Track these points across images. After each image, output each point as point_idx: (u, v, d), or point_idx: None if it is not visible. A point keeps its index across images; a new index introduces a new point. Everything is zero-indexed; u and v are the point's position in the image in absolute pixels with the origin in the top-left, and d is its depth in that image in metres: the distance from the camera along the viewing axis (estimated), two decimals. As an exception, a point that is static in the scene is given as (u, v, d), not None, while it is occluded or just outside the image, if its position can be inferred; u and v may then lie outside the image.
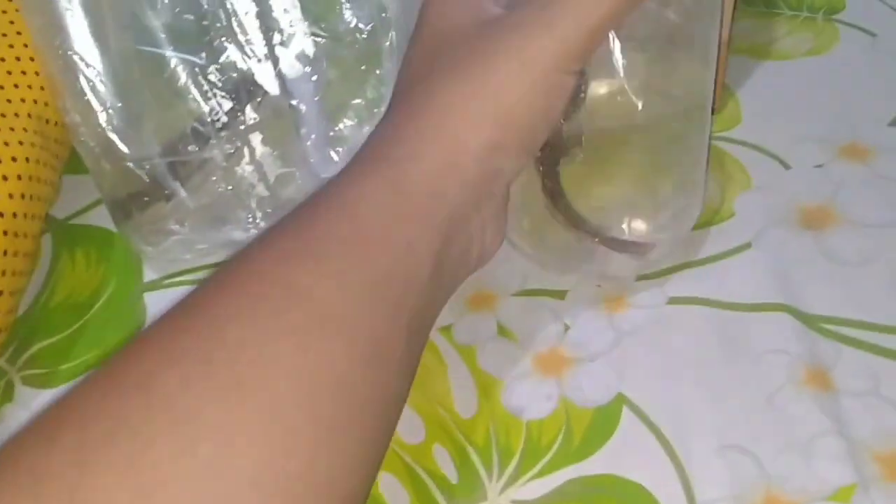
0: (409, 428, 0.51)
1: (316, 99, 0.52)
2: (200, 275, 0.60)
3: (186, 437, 0.31)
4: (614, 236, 0.52)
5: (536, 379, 0.52)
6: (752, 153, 0.65)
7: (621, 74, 0.49)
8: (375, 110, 0.56)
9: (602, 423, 0.50)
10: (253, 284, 0.35)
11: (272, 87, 0.51)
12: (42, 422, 0.32)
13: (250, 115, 0.51)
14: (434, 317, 0.40)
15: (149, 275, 0.61)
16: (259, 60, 0.50)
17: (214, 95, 0.50)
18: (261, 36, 0.50)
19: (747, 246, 0.58)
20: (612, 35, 0.47)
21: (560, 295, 0.57)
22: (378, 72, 0.54)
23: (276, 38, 0.50)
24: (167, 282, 0.61)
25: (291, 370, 0.33)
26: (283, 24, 0.50)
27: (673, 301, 0.56)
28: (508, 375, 0.53)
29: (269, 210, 0.53)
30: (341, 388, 0.34)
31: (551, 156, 0.52)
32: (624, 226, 0.53)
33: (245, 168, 0.52)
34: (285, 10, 0.50)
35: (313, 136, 0.54)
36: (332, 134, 0.56)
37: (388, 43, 0.54)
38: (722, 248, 0.58)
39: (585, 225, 0.52)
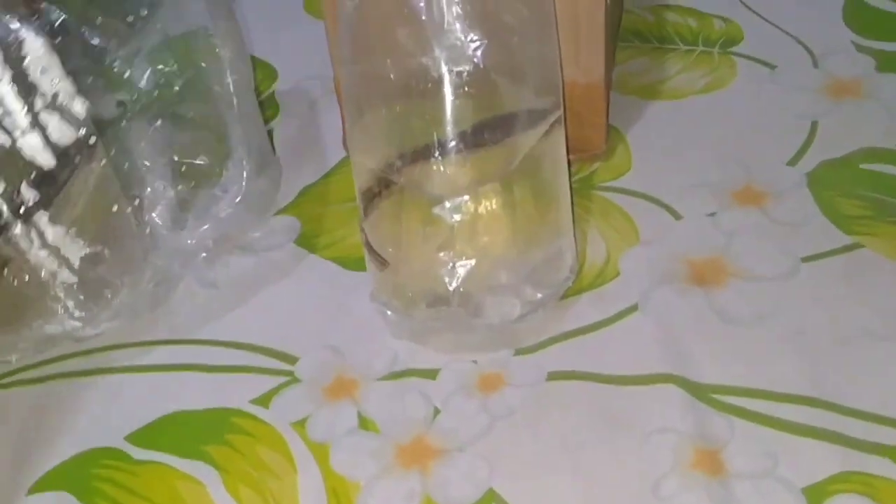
0: (247, 548, 0.44)
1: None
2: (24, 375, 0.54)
3: None
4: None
5: (397, 475, 0.46)
6: (641, 203, 0.60)
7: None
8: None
9: (469, 527, 0.44)
10: None
11: (45, 159, 0.45)
12: None
13: (27, 193, 0.45)
14: None
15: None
16: (22, 132, 0.44)
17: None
18: (20, 104, 0.44)
19: (633, 309, 0.53)
20: None
21: (432, 374, 0.51)
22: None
23: (39, 103, 0.44)
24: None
25: None
26: (44, 85, 0.44)
27: (552, 376, 0.50)
28: (365, 475, 0.46)
29: (81, 297, 0.47)
30: None
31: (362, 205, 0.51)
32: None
33: (38, 254, 0.46)
34: (42, 69, 0.44)
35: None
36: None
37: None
38: (606, 314, 0.53)
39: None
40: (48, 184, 0.46)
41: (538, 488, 0.45)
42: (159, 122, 0.53)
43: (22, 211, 0.45)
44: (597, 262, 0.56)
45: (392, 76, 0.49)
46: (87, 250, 0.48)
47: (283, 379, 0.52)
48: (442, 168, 0.49)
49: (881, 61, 0.68)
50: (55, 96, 0.44)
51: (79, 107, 0.45)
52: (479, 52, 0.47)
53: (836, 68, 0.68)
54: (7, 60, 0.44)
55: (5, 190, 0.45)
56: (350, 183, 0.65)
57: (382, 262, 0.51)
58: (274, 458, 0.48)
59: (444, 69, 0.47)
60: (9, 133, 0.44)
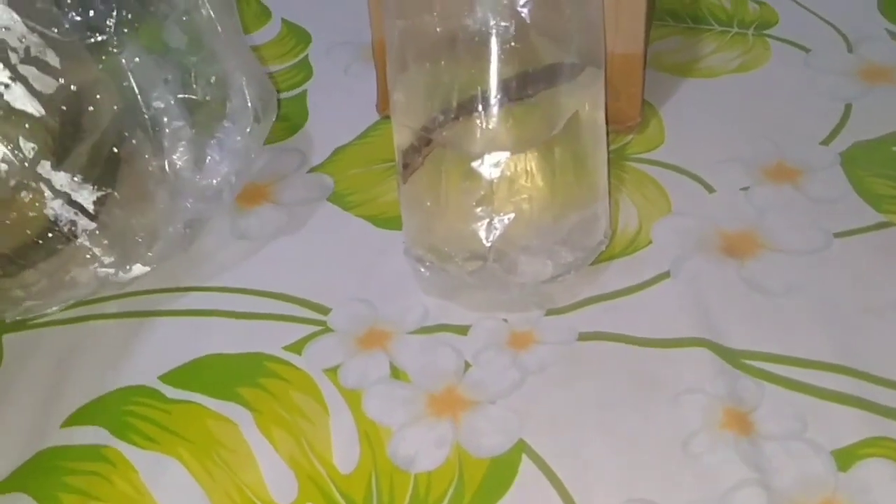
0: (280, 485, 0.45)
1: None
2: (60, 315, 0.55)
3: None
4: None
5: (429, 423, 0.47)
6: (673, 176, 0.60)
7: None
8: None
9: (499, 475, 0.44)
10: None
11: (34, 108, 0.46)
12: None
13: (25, 146, 0.45)
14: None
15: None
16: (5, 87, 0.45)
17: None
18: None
19: (665, 276, 0.53)
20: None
21: (463, 331, 0.52)
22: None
23: (13, 57, 0.46)
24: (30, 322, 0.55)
25: None
26: (13, 42, 0.45)
27: (583, 337, 0.50)
28: (397, 422, 0.47)
29: (106, 242, 0.48)
30: None
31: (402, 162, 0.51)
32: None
33: (53, 205, 0.46)
34: (6, 27, 0.45)
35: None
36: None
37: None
38: (637, 280, 0.53)
39: None
40: (45, 134, 0.46)
41: (568, 442, 0.45)
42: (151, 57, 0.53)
43: (26, 165, 0.46)
44: (629, 230, 0.57)
45: (438, 30, 0.50)
46: (98, 194, 0.48)
47: (315, 328, 0.53)
48: (484, 124, 0.49)
49: (916, 49, 0.69)
50: (27, 50, 0.45)
51: (52, 58, 0.46)
52: (526, 9, 0.48)
53: (871, 54, 0.69)
54: None
55: (7, 148, 0.45)
56: (382, 145, 0.66)
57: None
58: (306, 402, 0.48)
59: (492, 23, 0.48)
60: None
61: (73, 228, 0.48)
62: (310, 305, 0.54)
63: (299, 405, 0.48)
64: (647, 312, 0.51)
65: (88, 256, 0.49)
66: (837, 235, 0.54)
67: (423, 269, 0.53)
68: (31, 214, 0.48)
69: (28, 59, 0.45)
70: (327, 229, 0.59)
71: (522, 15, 0.48)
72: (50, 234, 0.48)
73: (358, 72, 0.72)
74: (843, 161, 0.59)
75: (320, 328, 0.53)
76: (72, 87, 0.47)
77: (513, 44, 0.49)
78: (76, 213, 0.48)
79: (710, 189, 0.59)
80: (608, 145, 0.54)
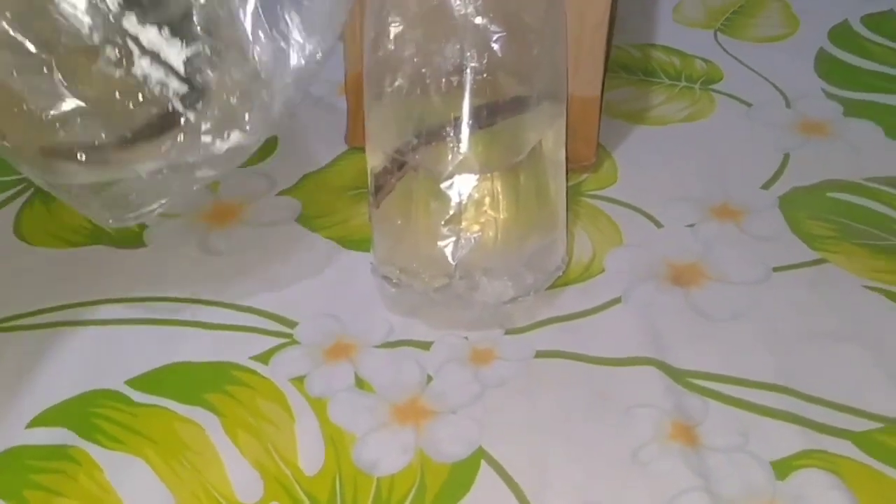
0: (246, 485, 0.46)
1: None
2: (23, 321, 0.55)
3: None
4: None
5: (392, 430, 0.49)
6: (625, 212, 0.64)
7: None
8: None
9: (459, 479, 0.46)
10: None
11: None
12: None
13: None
14: None
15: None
16: None
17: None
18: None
19: (617, 301, 0.56)
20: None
21: (426, 346, 0.54)
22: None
23: None
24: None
25: None
26: None
27: (541, 355, 0.53)
28: (362, 428, 0.49)
29: (198, 105, 0.45)
30: None
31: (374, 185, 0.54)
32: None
33: (142, 64, 0.43)
34: None
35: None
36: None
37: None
38: (591, 304, 0.56)
39: None
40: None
41: (526, 450, 0.47)
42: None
43: (111, 19, 0.43)
44: (583, 259, 0.60)
45: (415, 61, 0.53)
46: (188, 51, 0.44)
47: (282, 340, 0.54)
48: (455, 148, 0.52)
49: (847, 107, 0.74)
50: None
51: None
52: (497, 44, 0.51)
53: (808, 109, 0.74)
54: None
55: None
56: (350, 173, 0.69)
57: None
58: (272, 409, 0.50)
59: (467, 55, 0.51)
60: None
61: (164, 90, 0.45)
62: (276, 319, 0.56)
63: (265, 412, 0.50)
64: (600, 334, 0.54)
65: (184, 124, 0.46)
66: (776, 269, 0.58)
67: (389, 287, 0.55)
68: (118, 74, 0.44)
69: None
70: (295, 249, 0.61)
71: (494, 49, 0.52)
72: (140, 98, 0.44)
73: (327, 105, 0.75)
74: (781, 204, 0.64)
75: (287, 340, 0.54)
76: None
77: (484, 75, 0.52)
78: (166, 74, 0.45)
79: (658, 224, 0.63)
80: (567, 179, 0.57)
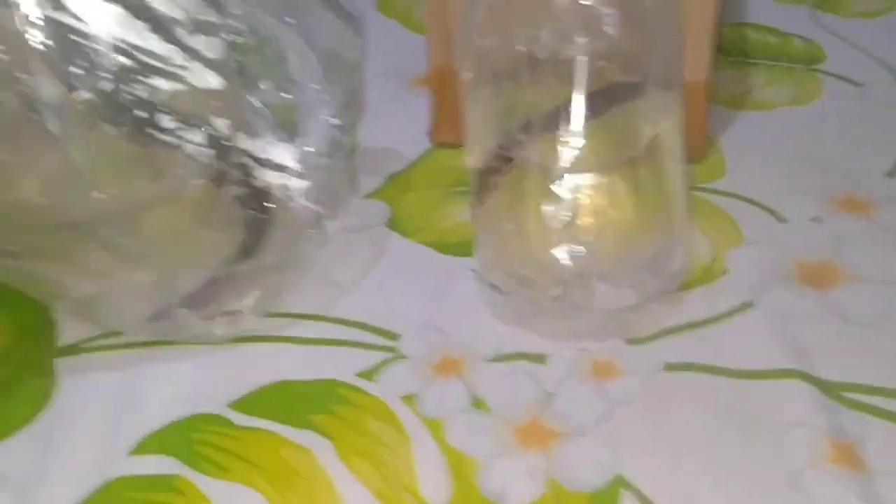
0: (368, 518, 0.42)
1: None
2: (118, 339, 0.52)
3: None
4: None
5: (518, 455, 0.44)
6: (740, 205, 0.59)
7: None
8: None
9: (599, 510, 0.42)
10: None
11: (216, 82, 0.43)
12: None
13: (219, 124, 0.43)
14: None
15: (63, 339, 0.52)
16: (182, 67, 0.42)
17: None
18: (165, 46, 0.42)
19: (748, 305, 0.52)
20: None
21: (540, 359, 0.50)
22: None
23: (180, 31, 0.42)
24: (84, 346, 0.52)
25: None
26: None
27: (670, 367, 0.49)
28: (483, 452, 0.45)
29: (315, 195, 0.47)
30: None
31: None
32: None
33: (260, 175, 0.45)
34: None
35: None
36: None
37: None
38: (719, 309, 0.52)
39: None
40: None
41: (667, 476, 0.43)
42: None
43: (227, 143, 0.44)
44: (703, 258, 0.55)
45: (518, 48, 0.48)
46: (295, 150, 0.47)
47: (387, 354, 0.50)
48: (566, 142, 0.48)
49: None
50: (192, 18, 0.43)
51: (213, 15, 0.43)
52: (611, 26, 0.47)
53: (925, 88, 0.68)
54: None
55: (204, 133, 0.43)
56: (437, 172, 0.64)
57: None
58: (385, 430, 0.46)
59: (577, 40, 0.47)
60: (174, 74, 0.42)
61: (287, 193, 0.47)
62: (377, 331, 0.52)
63: (376, 433, 0.46)
64: (734, 343, 0.49)
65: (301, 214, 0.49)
66: (920, 267, 0.53)
67: (498, 296, 0.51)
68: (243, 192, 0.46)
69: (196, 26, 0.43)
70: (389, 255, 0.57)
71: (606, 31, 0.47)
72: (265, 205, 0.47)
73: (406, 100, 0.71)
74: (913, 193, 0.59)
75: (392, 354, 0.50)
76: (237, 39, 0.45)
77: (596, 61, 0.47)
78: (282, 175, 0.46)
79: (780, 219, 0.58)
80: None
